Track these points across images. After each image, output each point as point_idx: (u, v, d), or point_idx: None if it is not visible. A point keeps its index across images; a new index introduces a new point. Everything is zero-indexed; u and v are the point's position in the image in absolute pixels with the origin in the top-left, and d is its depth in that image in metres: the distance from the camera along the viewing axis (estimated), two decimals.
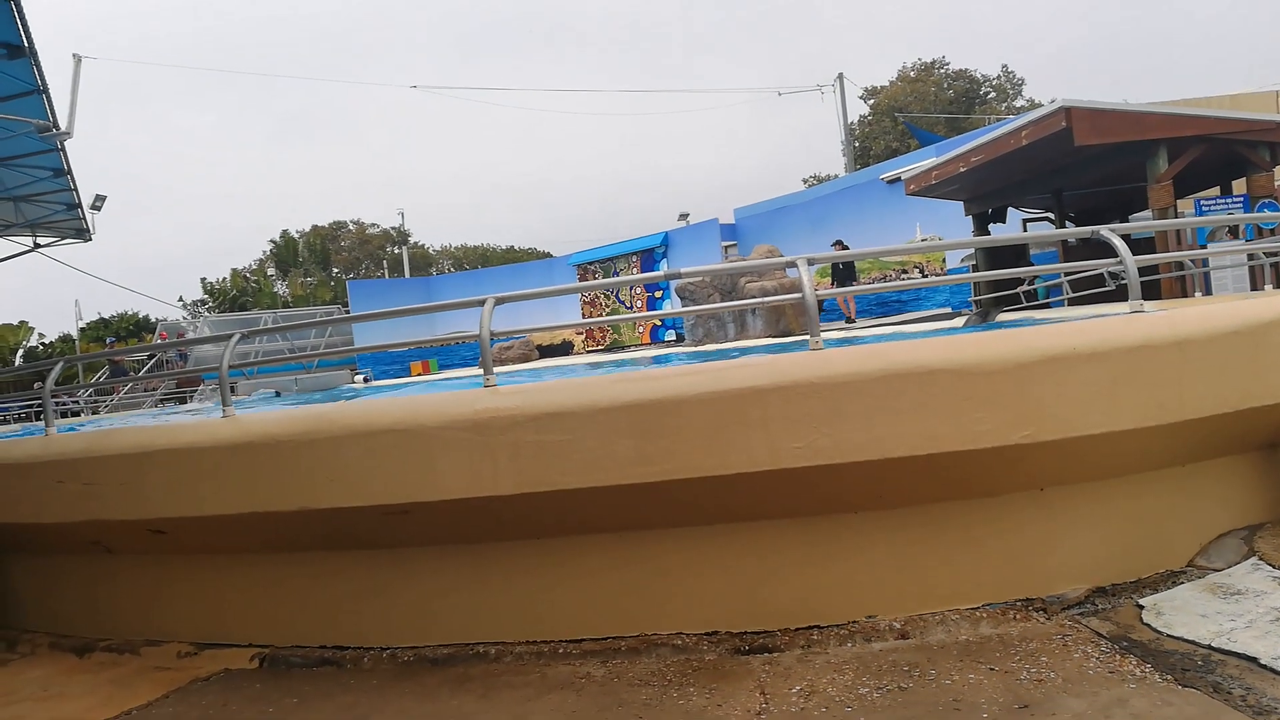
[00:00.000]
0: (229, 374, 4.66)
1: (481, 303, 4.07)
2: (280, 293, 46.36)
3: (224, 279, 45.31)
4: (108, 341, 36.98)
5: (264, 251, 54.62)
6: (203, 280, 45.50)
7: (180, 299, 46.54)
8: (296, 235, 54.24)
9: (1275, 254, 6.91)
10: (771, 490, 3.48)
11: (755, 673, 3.26)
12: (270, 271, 52.18)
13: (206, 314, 41.28)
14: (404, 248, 48.96)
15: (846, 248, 16.24)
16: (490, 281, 28.29)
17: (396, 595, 3.93)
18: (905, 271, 19.09)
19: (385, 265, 54.56)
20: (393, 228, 56.29)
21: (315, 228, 57.12)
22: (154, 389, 23.06)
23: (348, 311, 28.45)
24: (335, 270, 54.40)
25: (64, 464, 4.26)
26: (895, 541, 3.61)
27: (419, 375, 22.30)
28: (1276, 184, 10.75)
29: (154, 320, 37.66)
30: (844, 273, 16.74)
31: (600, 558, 3.71)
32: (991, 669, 3.05)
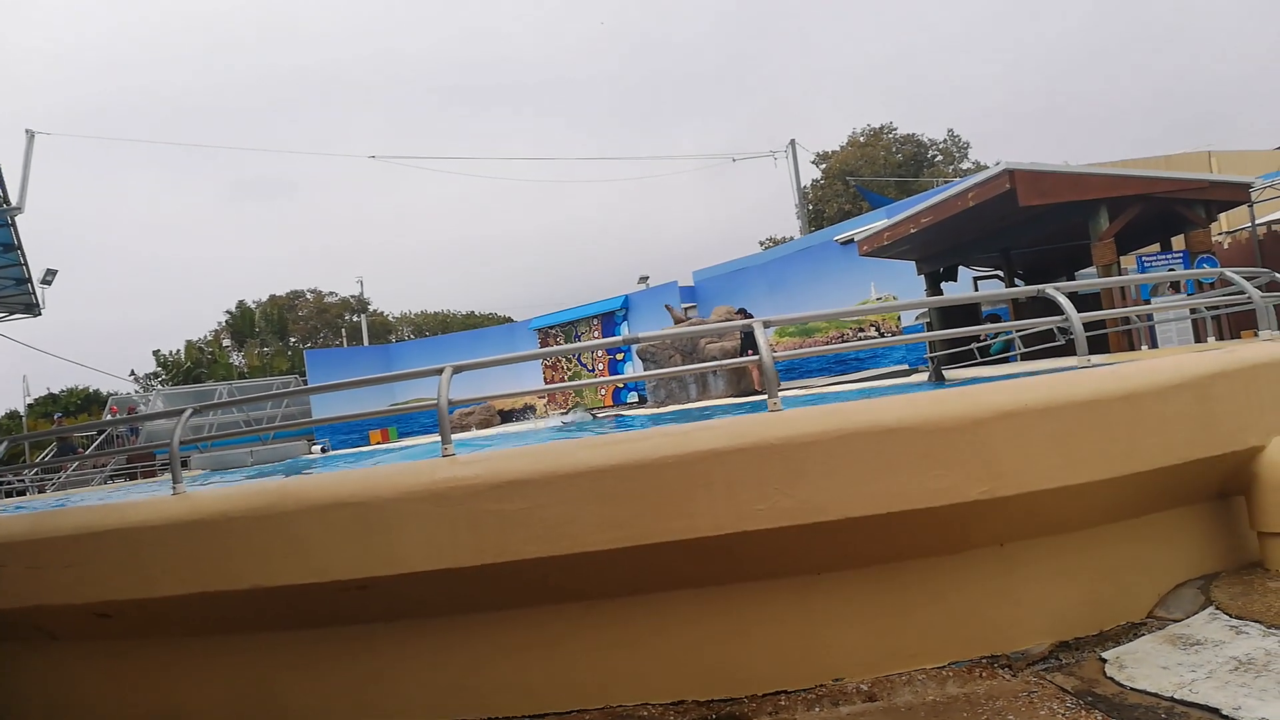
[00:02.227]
0: (180, 449, 4.56)
1: (439, 371, 4.05)
2: (236, 364, 45.69)
3: (178, 351, 44.60)
4: (55, 418, 36.02)
5: (219, 322, 53.99)
6: (155, 352, 44.75)
7: (132, 372, 45.68)
8: (253, 305, 53.76)
9: (1215, 308, 7.14)
10: (737, 553, 3.46)
11: None
12: (226, 342, 51.48)
13: (159, 387, 40.49)
14: (363, 316, 48.70)
15: (750, 315, 16.39)
16: (450, 347, 28.23)
17: (354, 673, 3.81)
18: (863, 330, 19.40)
19: (344, 333, 54.18)
20: (352, 296, 56.08)
21: (273, 297, 56.70)
22: (103, 466, 22.42)
23: (305, 381, 28.15)
24: (293, 339, 53.87)
25: (7, 546, 4.10)
26: (860, 602, 3.60)
27: (378, 444, 21.98)
28: (1213, 239, 11.16)
29: (105, 395, 36.83)
30: (748, 342, 16.70)
31: (563, 627, 3.65)
32: None
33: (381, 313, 59.30)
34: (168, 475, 4.69)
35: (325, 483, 3.72)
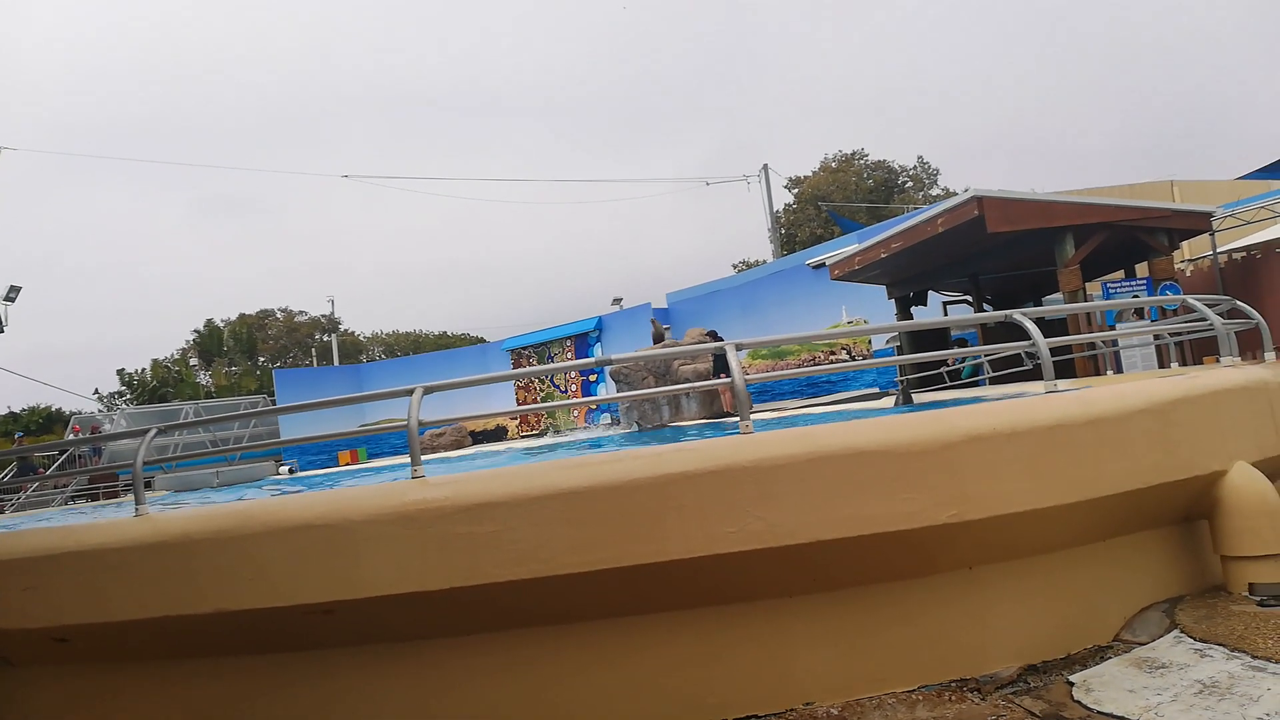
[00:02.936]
0: (145, 469, 4.48)
1: (410, 392, 4.03)
2: (203, 383, 45.09)
3: (143, 369, 43.91)
4: (16, 437, 35.27)
5: (187, 341, 53.26)
6: (120, 371, 44.02)
7: (96, 391, 44.87)
8: (221, 324, 53.13)
9: (1179, 334, 7.28)
10: (707, 576, 3.46)
11: None
12: (193, 361, 50.78)
13: (124, 406, 39.81)
14: (333, 335, 48.29)
15: (720, 338, 16.50)
16: (422, 368, 28.06)
17: (319, 698, 3.74)
18: (834, 353, 19.54)
19: (314, 353, 53.65)
20: (322, 315, 55.56)
21: (242, 316, 56.04)
22: (64, 486, 21.94)
23: (274, 401, 27.83)
24: (262, 359, 53.24)
25: None
26: (830, 625, 3.60)
27: (347, 465, 21.73)
28: (1176, 266, 11.39)
29: (68, 414, 36.12)
30: (720, 364, 16.85)
31: (534, 651, 3.61)
32: None
33: (352, 332, 58.88)
34: (130, 496, 4.60)
35: (291, 505, 3.67)
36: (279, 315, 58.57)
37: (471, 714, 3.62)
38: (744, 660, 3.57)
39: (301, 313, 58.55)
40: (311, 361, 51.38)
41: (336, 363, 41.47)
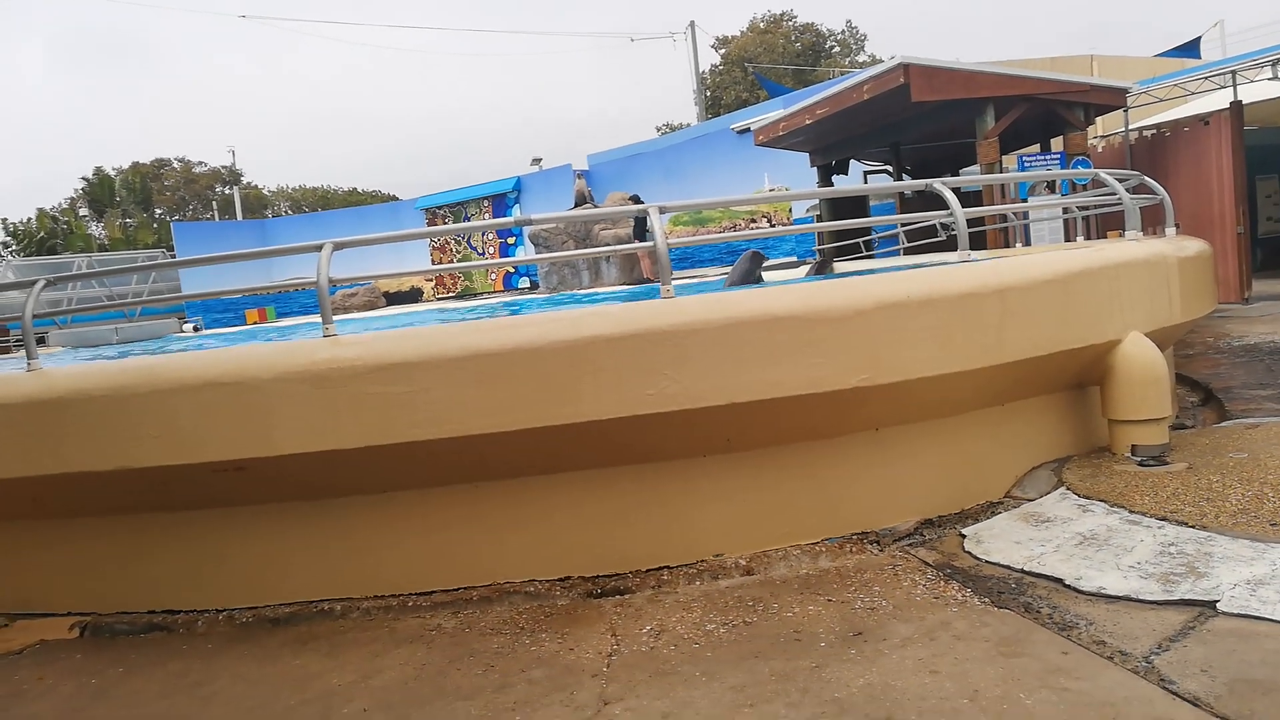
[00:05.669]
0: (36, 324, 4.24)
1: (319, 248, 3.86)
2: (96, 235, 42.58)
3: (29, 220, 41.15)
4: None
5: (75, 190, 49.84)
6: (3, 221, 41.18)
7: None
8: (113, 173, 49.77)
9: (1087, 208, 7.47)
10: (623, 437, 3.51)
11: (607, 615, 3.31)
12: (83, 212, 47.73)
13: (9, 258, 37.47)
14: (235, 188, 45.82)
15: (641, 201, 16.21)
16: (331, 225, 27.00)
17: (232, 555, 3.74)
18: (754, 221, 19.55)
19: (215, 207, 50.98)
20: (223, 166, 52.52)
21: (135, 165, 52.50)
22: None
23: (174, 256, 26.56)
24: (159, 211, 50.39)
25: None
26: (741, 483, 3.72)
27: (255, 324, 21.12)
28: (1089, 142, 11.60)
29: None
30: (640, 229, 16.57)
31: (451, 509, 3.65)
32: (829, 600, 3.22)
33: (256, 186, 55.96)
34: (21, 351, 4.36)
35: (197, 361, 3.53)
36: (176, 165, 55.10)
37: (390, 567, 3.67)
38: (657, 515, 3.68)
39: (200, 163, 55.16)
40: (213, 215, 48.90)
41: (240, 217, 39.56)
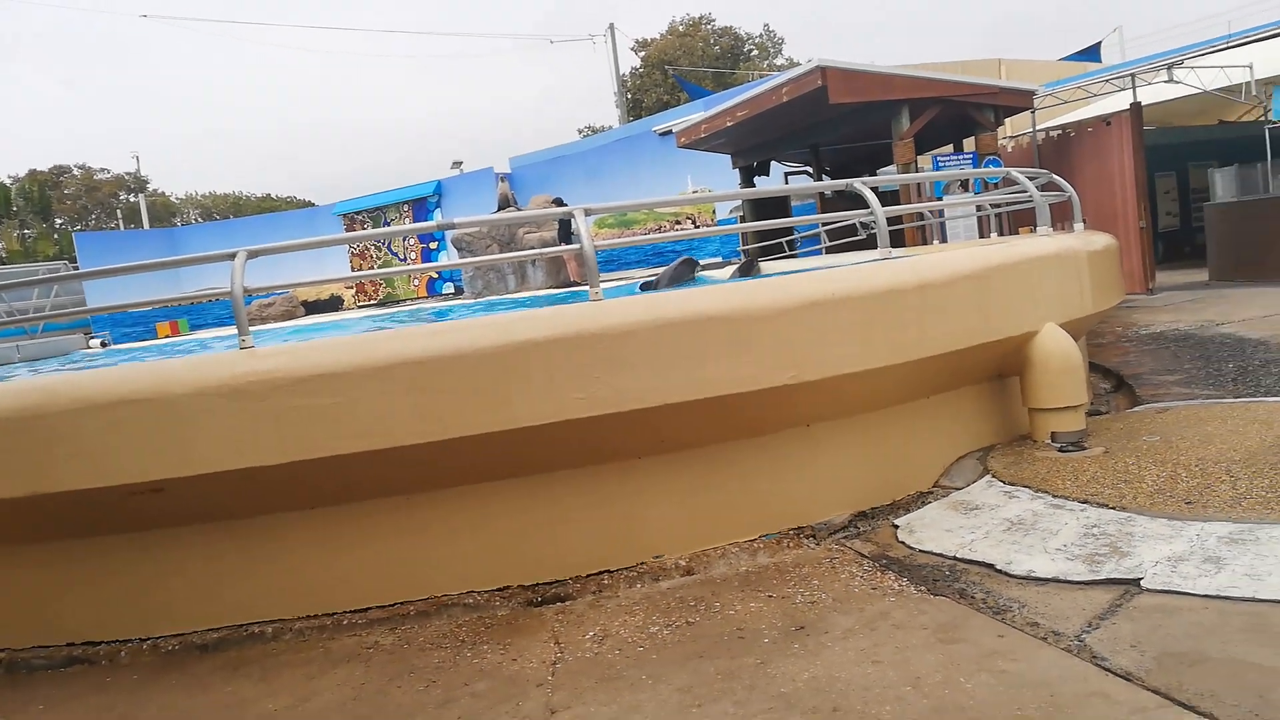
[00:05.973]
0: None
1: (232, 256, 3.72)
2: None
3: None
4: None
5: None
6: None
7: None
8: (8, 181, 47.33)
9: (999, 206, 7.72)
10: (557, 442, 3.47)
11: (549, 623, 3.27)
12: None
13: None
14: (141, 196, 44.07)
15: (565, 204, 16.13)
16: (245, 232, 26.13)
17: (155, 581, 3.57)
18: (679, 222, 19.67)
19: (120, 216, 48.91)
20: (127, 173, 50.43)
21: (32, 173, 50.03)
22: None
23: (77, 267, 25.38)
24: (59, 221, 48.14)
25: None
26: (677, 483, 3.73)
27: (167, 337, 20.34)
28: (999, 142, 11.99)
29: None
30: (565, 231, 16.53)
31: (383, 522, 3.56)
32: (770, 596, 3.24)
33: (163, 193, 53.95)
34: None
35: (105, 378, 3.36)
36: (76, 173, 52.69)
37: (322, 585, 3.55)
38: (595, 520, 3.66)
39: (103, 170, 52.84)
40: (118, 224, 46.85)
41: (146, 225, 38.08)
